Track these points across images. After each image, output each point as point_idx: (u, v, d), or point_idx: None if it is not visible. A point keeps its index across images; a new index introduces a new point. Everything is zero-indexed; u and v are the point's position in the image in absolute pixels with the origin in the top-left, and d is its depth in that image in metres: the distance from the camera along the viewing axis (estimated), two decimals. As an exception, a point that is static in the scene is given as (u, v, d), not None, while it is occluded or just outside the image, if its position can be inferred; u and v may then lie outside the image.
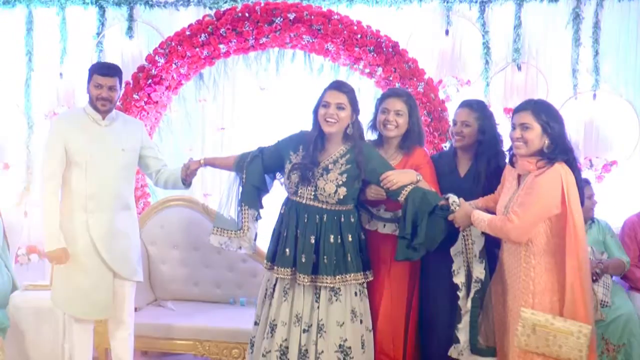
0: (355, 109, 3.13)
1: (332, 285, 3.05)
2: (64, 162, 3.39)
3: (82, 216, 3.39)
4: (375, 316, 3.23)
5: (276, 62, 4.77)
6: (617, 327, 3.60)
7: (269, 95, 4.95)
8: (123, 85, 3.77)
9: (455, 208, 2.93)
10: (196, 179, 3.62)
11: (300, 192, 3.12)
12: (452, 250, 3.03)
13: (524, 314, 2.67)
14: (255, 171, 3.25)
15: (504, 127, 4.61)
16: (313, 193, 3.09)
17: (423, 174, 3.14)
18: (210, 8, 4.90)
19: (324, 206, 3.09)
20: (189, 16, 4.95)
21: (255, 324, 3.29)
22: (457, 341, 2.98)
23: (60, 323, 4.04)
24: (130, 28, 5.08)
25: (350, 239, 3.10)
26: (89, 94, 3.45)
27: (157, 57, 4.57)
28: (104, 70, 3.46)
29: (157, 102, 4.64)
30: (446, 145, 4.24)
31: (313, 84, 4.79)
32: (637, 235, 4.07)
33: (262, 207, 3.35)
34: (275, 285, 3.16)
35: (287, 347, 3.06)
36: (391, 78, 4.37)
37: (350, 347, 3.04)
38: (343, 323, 3.06)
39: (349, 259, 3.08)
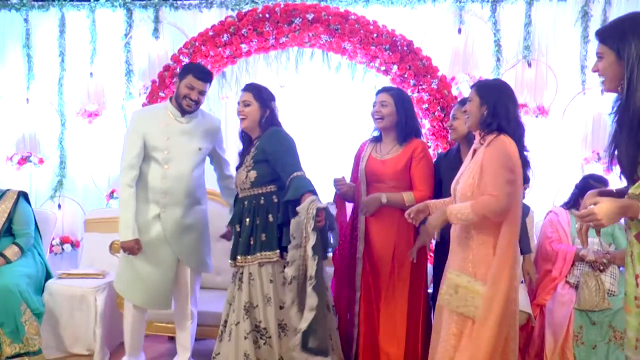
0: (262, 104, 3.21)
1: (244, 265, 3.12)
2: (142, 155, 3.35)
3: (155, 209, 3.37)
4: (377, 314, 3.29)
5: (295, 60, 4.73)
6: (624, 315, 3.54)
7: (289, 92, 4.93)
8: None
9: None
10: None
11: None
12: (291, 244, 2.94)
13: (450, 274, 2.72)
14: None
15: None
16: (239, 186, 3.23)
17: (415, 165, 3.27)
18: (232, 9, 4.89)
19: (244, 193, 3.21)
20: (212, 17, 4.94)
21: None
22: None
23: (92, 309, 4.06)
24: (156, 29, 5.08)
25: (271, 218, 3.11)
26: (177, 90, 3.38)
27: (181, 57, 4.55)
28: (201, 74, 3.37)
29: (182, 99, 4.63)
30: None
31: (331, 81, 4.79)
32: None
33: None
34: None
35: (226, 322, 3.21)
36: (406, 75, 4.33)
37: (265, 329, 3.08)
38: (257, 306, 3.10)
39: (263, 238, 3.09)
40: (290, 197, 2.98)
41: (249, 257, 3.12)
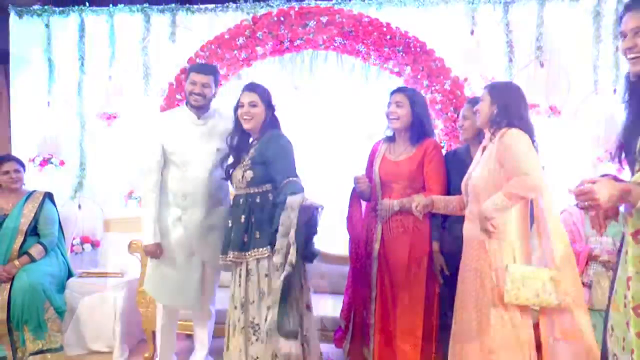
0: (268, 105, 3.17)
1: (237, 261, 3.08)
2: (162, 160, 3.37)
3: (176, 212, 3.37)
4: (393, 313, 3.26)
5: (310, 62, 4.75)
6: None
7: (303, 94, 4.94)
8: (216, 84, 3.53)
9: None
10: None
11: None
12: (279, 233, 2.87)
13: (511, 267, 2.60)
14: None
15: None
16: (235, 184, 3.20)
17: (427, 164, 3.25)
18: (248, 13, 4.89)
19: (240, 192, 3.16)
20: (227, 21, 4.94)
21: None
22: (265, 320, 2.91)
23: (112, 307, 4.10)
24: (173, 33, 5.10)
25: (266, 217, 3.05)
26: (185, 91, 3.42)
27: (198, 60, 4.57)
28: (199, 67, 3.43)
29: (198, 101, 4.64)
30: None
31: (345, 82, 4.79)
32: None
33: None
34: None
35: (230, 321, 3.17)
36: (419, 76, 4.32)
37: (258, 324, 3.04)
38: (253, 301, 3.06)
39: (257, 235, 3.04)
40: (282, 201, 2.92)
41: (242, 253, 3.07)
